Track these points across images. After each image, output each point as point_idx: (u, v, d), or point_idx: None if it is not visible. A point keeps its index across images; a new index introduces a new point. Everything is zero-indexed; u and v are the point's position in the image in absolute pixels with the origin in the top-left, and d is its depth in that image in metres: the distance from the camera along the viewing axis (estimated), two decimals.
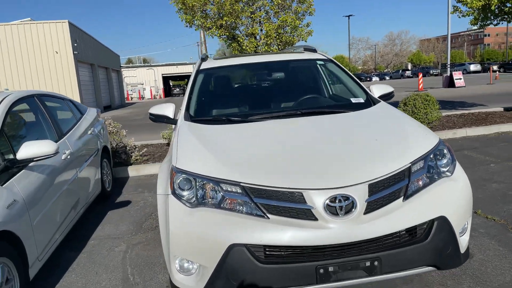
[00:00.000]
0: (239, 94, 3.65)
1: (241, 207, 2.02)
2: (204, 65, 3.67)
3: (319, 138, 2.47)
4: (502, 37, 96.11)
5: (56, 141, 3.68)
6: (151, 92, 48.05)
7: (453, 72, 23.85)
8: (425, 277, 2.75)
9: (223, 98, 3.49)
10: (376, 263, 1.93)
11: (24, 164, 2.98)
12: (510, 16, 8.60)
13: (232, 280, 1.94)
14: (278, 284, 1.95)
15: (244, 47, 6.67)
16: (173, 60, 54.02)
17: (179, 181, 2.20)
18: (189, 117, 3.00)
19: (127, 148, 6.84)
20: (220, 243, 1.95)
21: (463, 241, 2.23)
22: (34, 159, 2.97)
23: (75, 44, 22.80)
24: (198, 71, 3.57)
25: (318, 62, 3.72)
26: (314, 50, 4.00)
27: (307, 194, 1.96)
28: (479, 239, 3.24)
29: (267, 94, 3.49)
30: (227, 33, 6.92)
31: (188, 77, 51.36)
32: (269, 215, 1.97)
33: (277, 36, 6.74)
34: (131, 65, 57.89)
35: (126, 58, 73.47)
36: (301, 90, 3.52)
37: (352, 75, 3.50)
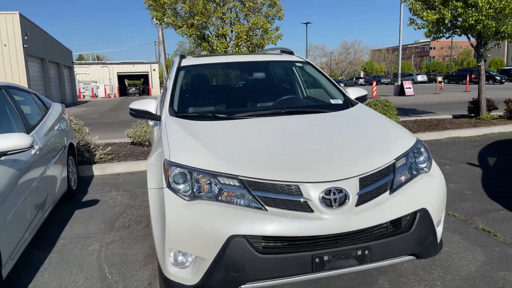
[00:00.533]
0: (221, 92, 3.68)
1: (239, 199, 2.07)
2: (185, 62, 3.67)
3: (308, 135, 2.57)
4: (446, 50, 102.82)
5: None
6: (105, 90, 46.34)
7: (403, 82, 25.20)
8: (398, 267, 2.93)
9: (206, 95, 3.51)
10: (366, 252, 2.05)
11: None
12: (461, 30, 9.28)
13: (231, 271, 1.98)
14: (276, 273, 2.01)
15: (214, 47, 6.68)
16: (128, 59, 52.35)
17: (174, 174, 2.20)
18: (174, 113, 2.99)
19: (91, 146, 6.60)
20: (219, 234, 1.98)
21: (438, 232, 2.42)
22: (8, 153, 2.83)
23: (26, 37, 21.55)
24: (180, 68, 3.56)
25: (297, 64, 3.84)
26: (291, 53, 4.12)
27: (303, 187, 2.05)
28: (444, 233, 3.49)
29: (249, 93, 3.55)
30: (198, 33, 6.90)
31: (145, 76, 50.18)
32: (267, 207, 2.03)
33: (247, 38, 6.83)
34: (84, 61, 55.53)
35: (77, 55, 70.32)
36: (281, 91, 3.62)
37: (330, 78, 3.65)
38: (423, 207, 2.22)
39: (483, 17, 8.27)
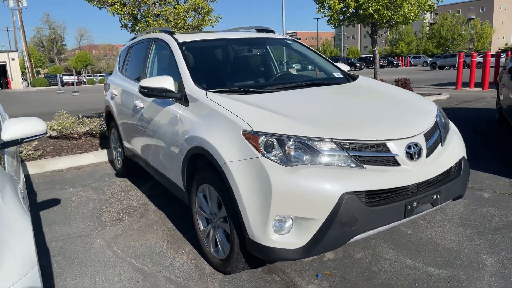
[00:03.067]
0: (235, 67, 3.60)
1: (339, 160, 2.18)
2: (182, 39, 3.48)
3: (358, 102, 2.79)
4: (310, 41, 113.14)
5: None
6: None
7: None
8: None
9: (220, 71, 3.40)
10: (439, 196, 2.39)
11: (8, 146, 2.34)
12: (358, 18, 10.49)
13: (346, 226, 2.10)
14: (379, 223, 2.21)
15: (150, 28, 6.28)
16: None
17: (264, 143, 2.19)
18: (204, 89, 2.87)
19: None
20: (332, 193, 2.07)
21: None
22: (24, 140, 2.37)
23: None
24: (181, 44, 3.37)
25: (287, 41, 3.98)
26: (271, 31, 4.24)
27: (390, 144, 2.27)
28: None
29: (258, 68, 3.56)
30: (130, 12, 6.35)
31: (0, 67, 43.01)
32: (364, 165, 2.20)
33: (185, 19, 6.60)
34: None
35: None
36: (280, 66, 3.73)
37: (321, 54, 3.91)
38: (463, 155, 2.67)
39: (380, 7, 9.51)
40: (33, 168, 5.32)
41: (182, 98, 2.97)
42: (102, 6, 6.21)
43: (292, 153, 2.18)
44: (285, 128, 2.25)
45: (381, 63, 49.08)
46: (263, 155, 2.17)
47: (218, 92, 2.82)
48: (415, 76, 24.74)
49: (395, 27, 10.76)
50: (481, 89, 13.46)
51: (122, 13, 6.31)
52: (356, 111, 2.59)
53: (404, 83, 11.01)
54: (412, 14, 9.67)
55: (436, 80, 20.22)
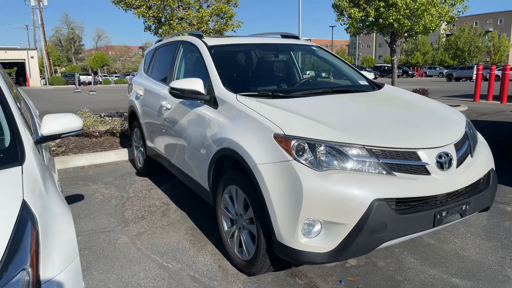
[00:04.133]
0: (262, 72, 3.65)
1: (370, 167, 2.20)
2: (211, 42, 3.55)
3: (386, 110, 2.81)
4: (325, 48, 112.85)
5: None
6: None
7: None
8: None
9: (250, 74, 3.46)
10: (467, 206, 2.39)
11: (47, 141, 2.42)
12: (378, 27, 10.47)
13: (375, 233, 2.11)
14: (408, 231, 2.22)
15: (176, 31, 6.39)
16: None
17: (295, 147, 2.23)
18: (233, 92, 2.92)
19: None
20: (362, 199, 2.10)
21: None
22: (62, 135, 2.44)
23: None
24: (210, 47, 3.44)
25: (313, 48, 4.03)
26: (297, 37, 4.29)
27: (421, 153, 2.28)
28: None
29: (285, 74, 3.61)
30: (156, 15, 6.47)
31: (20, 64, 43.95)
32: (394, 173, 2.22)
33: (208, 23, 6.69)
34: None
35: None
36: (310, 72, 3.77)
37: (346, 62, 3.94)
38: (492, 167, 2.66)
39: (400, 16, 9.49)
40: (57, 164, 5.43)
41: (211, 100, 3.02)
42: (128, 9, 6.35)
43: (323, 158, 2.21)
44: (316, 132, 2.28)
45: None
46: (295, 158, 2.20)
47: (247, 96, 2.87)
48: (431, 87, 24.52)
49: (414, 37, 10.72)
50: (499, 102, 13.30)
51: (147, 15, 6.44)
52: (386, 119, 2.61)
53: (422, 94, 10.94)
54: (432, 24, 9.64)
55: (452, 92, 20.03)
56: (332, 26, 69.72)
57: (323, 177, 2.14)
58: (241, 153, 2.48)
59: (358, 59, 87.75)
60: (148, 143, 4.62)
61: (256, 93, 2.97)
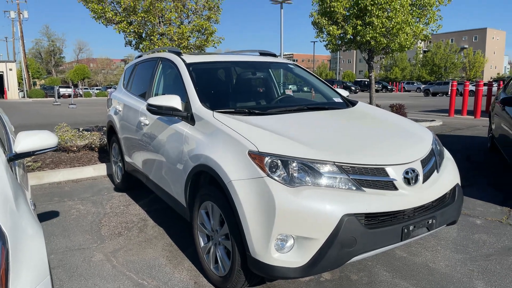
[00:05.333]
0: (239, 89, 3.72)
1: (340, 183, 2.27)
2: (189, 59, 3.61)
3: (358, 127, 2.91)
4: (307, 63, 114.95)
5: None
6: None
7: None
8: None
9: (227, 92, 3.52)
10: (434, 220, 2.49)
11: (20, 158, 2.41)
12: (356, 44, 10.77)
13: (345, 247, 2.17)
14: (377, 245, 2.28)
15: (157, 47, 6.43)
16: None
17: (269, 163, 2.29)
18: (210, 109, 2.98)
19: None
20: (333, 215, 2.16)
21: None
22: (36, 153, 2.44)
23: None
24: (188, 65, 3.50)
25: (289, 65, 4.14)
26: (274, 55, 4.40)
27: (388, 169, 2.38)
28: None
29: (262, 91, 3.68)
30: (136, 30, 6.50)
31: None
32: (363, 188, 2.30)
33: (189, 39, 6.76)
34: None
35: None
36: (281, 89, 3.87)
37: (321, 79, 4.06)
38: (457, 182, 2.78)
39: (376, 34, 9.80)
40: (32, 179, 5.34)
41: (189, 117, 3.07)
42: (108, 24, 6.37)
43: (295, 174, 2.27)
44: (290, 149, 2.35)
45: (376, 88, 49.89)
46: (268, 175, 2.26)
47: (223, 113, 2.93)
48: (409, 102, 25.17)
49: (390, 54, 11.07)
50: (473, 117, 13.76)
51: (128, 31, 6.47)
52: (357, 136, 2.71)
53: (399, 109, 11.24)
54: (407, 42, 9.98)
55: (429, 107, 20.60)
56: (314, 42, 70.96)
57: (295, 193, 2.20)
58: (217, 170, 2.52)
59: (339, 74, 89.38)
60: (126, 158, 4.61)
61: (233, 110, 3.03)
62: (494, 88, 17.00)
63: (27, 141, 2.39)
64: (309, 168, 2.28)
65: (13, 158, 2.31)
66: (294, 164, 2.29)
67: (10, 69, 41.37)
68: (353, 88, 48.59)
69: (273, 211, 2.18)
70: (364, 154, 2.43)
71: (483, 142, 8.44)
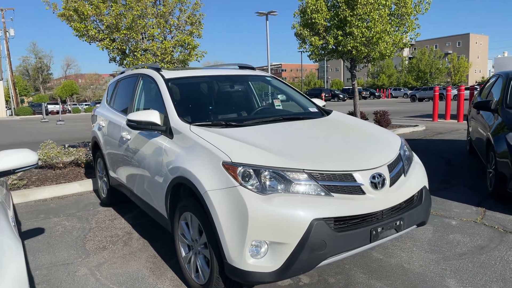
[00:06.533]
0: (217, 102, 3.84)
1: (309, 189, 2.39)
2: (168, 75, 3.73)
3: (327, 136, 3.05)
4: (295, 72, 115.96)
5: None
6: None
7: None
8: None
9: (203, 105, 3.63)
10: (401, 222, 2.61)
11: (1, 176, 2.48)
12: (338, 54, 11.01)
13: (316, 250, 2.28)
14: (346, 247, 2.40)
15: (140, 62, 6.54)
16: None
17: (242, 173, 2.40)
18: (187, 122, 3.09)
19: None
20: (303, 220, 2.27)
21: None
22: (16, 171, 2.52)
23: None
24: (167, 80, 3.61)
25: (267, 78, 4.28)
26: (253, 68, 4.54)
27: (356, 174, 2.50)
28: None
29: (240, 103, 3.81)
30: (119, 47, 6.62)
31: None
32: (332, 194, 2.42)
33: (172, 53, 6.89)
34: None
35: None
36: (261, 101, 4.00)
37: (298, 90, 4.20)
38: (424, 185, 2.91)
39: (357, 44, 10.05)
40: (18, 197, 5.37)
41: (167, 130, 3.17)
42: (91, 41, 6.48)
43: (267, 183, 2.39)
44: (261, 159, 2.47)
45: (364, 95, 50.61)
46: (241, 184, 2.37)
47: (200, 126, 3.04)
48: (395, 108, 25.57)
49: (372, 62, 11.32)
50: (456, 121, 14.06)
51: (111, 48, 6.59)
52: (327, 144, 2.84)
53: (382, 115, 11.47)
54: (387, 51, 10.24)
55: (414, 112, 20.96)
56: (301, 51, 71.63)
57: (267, 201, 2.31)
58: (193, 181, 2.62)
59: (327, 82, 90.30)
60: (111, 173, 4.68)
61: (210, 123, 3.14)
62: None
63: (7, 159, 2.47)
64: (280, 176, 2.40)
65: None
66: (265, 173, 2.40)
67: None
68: (341, 96, 49.16)
69: (246, 218, 2.29)
70: (333, 161, 2.56)
71: (463, 145, 8.66)
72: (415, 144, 9.12)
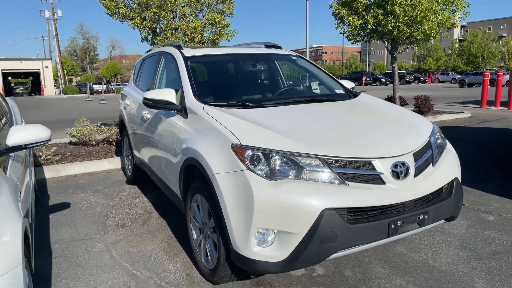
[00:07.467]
0: (237, 82, 3.70)
1: (322, 176, 2.21)
2: (187, 53, 3.62)
3: (350, 119, 2.82)
4: (336, 55, 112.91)
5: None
6: None
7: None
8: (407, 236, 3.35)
9: (222, 85, 3.51)
10: (426, 216, 2.38)
11: (13, 151, 2.50)
12: (378, 35, 10.46)
13: (325, 242, 2.12)
14: (360, 240, 2.21)
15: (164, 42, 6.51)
16: (11, 55, 45.75)
17: (250, 156, 2.25)
18: (202, 102, 2.97)
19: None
20: (312, 209, 2.11)
21: None
22: (28, 146, 2.52)
23: None
24: (186, 58, 3.50)
25: (292, 57, 4.06)
26: (279, 47, 4.33)
27: (375, 162, 2.29)
28: None
29: (261, 83, 3.65)
30: (149, 26, 6.61)
31: (35, 74, 45.06)
32: (348, 182, 2.22)
33: (202, 33, 6.79)
34: None
35: None
36: (284, 81, 3.81)
37: (325, 71, 3.96)
38: (456, 176, 2.64)
39: (399, 24, 9.46)
40: (50, 172, 5.55)
41: (183, 110, 3.08)
42: (124, 20, 6.49)
43: (277, 167, 2.23)
44: (272, 142, 2.31)
45: (407, 79, 48.42)
46: (248, 168, 2.23)
47: (215, 106, 2.91)
48: (440, 93, 24.27)
49: (415, 44, 10.66)
50: (506, 108, 13.08)
51: (142, 26, 6.57)
52: (347, 128, 2.62)
53: (424, 100, 10.84)
54: (432, 31, 9.58)
55: (462, 98, 19.77)
56: (343, 33, 69.43)
57: (275, 187, 2.16)
58: (202, 163, 2.51)
59: (369, 65, 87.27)
60: (135, 152, 4.69)
61: (225, 103, 3.01)
62: None
63: (19, 134, 2.47)
64: (290, 161, 2.24)
65: (5, 152, 2.39)
66: (275, 157, 2.24)
67: (46, 67, 43.19)
68: (383, 80, 47.29)
69: (251, 204, 2.16)
70: (351, 147, 2.35)
71: (511, 135, 8.00)
72: (457, 132, 8.56)
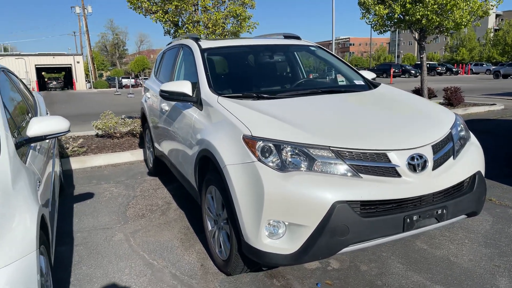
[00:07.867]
0: (253, 73, 3.69)
1: (335, 168, 2.17)
2: (204, 45, 3.62)
3: (367, 111, 2.75)
4: (364, 47, 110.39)
5: None
6: None
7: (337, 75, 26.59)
8: (427, 232, 3.25)
9: (238, 76, 3.50)
10: (444, 211, 2.29)
11: (32, 142, 2.58)
12: (405, 24, 10.12)
13: (337, 235, 2.08)
14: (374, 235, 2.16)
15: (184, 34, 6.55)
16: (45, 51, 47.23)
17: (261, 148, 2.23)
18: (218, 94, 2.97)
19: (61, 138, 6.12)
20: (324, 201, 2.07)
21: None
22: (47, 137, 2.60)
23: None
24: (203, 50, 3.51)
25: (311, 48, 3.99)
26: (298, 38, 4.26)
27: (390, 154, 2.22)
28: None
29: (278, 75, 3.62)
30: (171, 19, 6.67)
31: (67, 69, 46.52)
32: (361, 175, 2.17)
33: (223, 25, 6.80)
34: None
35: None
36: (305, 72, 3.75)
37: (345, 61, 3.87)
38: (479, 170, 2.52)
39: (428, 12, 9.12)
40: (76, 163, 5.73)
41: (198, 102, 3.09)
42: (146, 14, 6.58)
43: (289, 159, 2.20)
44: (284, 134, 2.28)
45: (439, 70, 46.80)
46: (259, 160, 2.21)
47: (229, 97, 2.90)
48: (473, 85, 23.36)
49: (446, 34, 10.26)
50: None
51: (164, 20, 6.63)
52: (363, 120, 2.55)
53: (454, 92, 10.46)
54: (463, 20, 9.18)
55: (495, 90, 18.94)
56: (371, 24, 67.74)
57: (286, 179, 2.13)
58: (215, 154, 2.52)
59: (398, 57, 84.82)
60: (156, 144, 4.76)
61: (240, 94, 2.99)
62: None
63: (39, 126, 2.55)
64: (302, 153, 2.20)
65: (25, 142, 2.47)
66: (287, 149, 2.22)
67: (78, 62, 44.49)
68: (412, 71, 45.89)
69: (262, 196, 2.14)
70: (365, 138, 2.29)
71: None
72: (487, 124, 8.21)
